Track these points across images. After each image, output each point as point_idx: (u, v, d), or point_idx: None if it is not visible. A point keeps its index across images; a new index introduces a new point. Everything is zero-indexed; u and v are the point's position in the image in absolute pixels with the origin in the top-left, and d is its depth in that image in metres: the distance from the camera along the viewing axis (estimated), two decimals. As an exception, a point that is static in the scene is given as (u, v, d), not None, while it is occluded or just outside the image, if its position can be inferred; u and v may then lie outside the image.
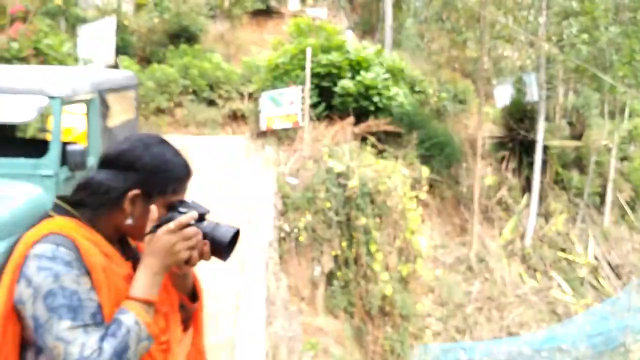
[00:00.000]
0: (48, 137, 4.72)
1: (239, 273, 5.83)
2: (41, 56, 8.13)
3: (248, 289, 5.64)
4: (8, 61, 7.75)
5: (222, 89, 13.52)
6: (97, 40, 9.28)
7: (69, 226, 1.36)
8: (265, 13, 19.91)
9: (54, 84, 3.76)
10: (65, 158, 3.64)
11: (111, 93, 4.63)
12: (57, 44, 8.27)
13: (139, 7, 15.09)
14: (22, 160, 3.68)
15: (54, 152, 3.67)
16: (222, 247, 1.39)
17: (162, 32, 14.33)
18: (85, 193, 1.42)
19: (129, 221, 1.40)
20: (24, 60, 7.84)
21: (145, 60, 13.49)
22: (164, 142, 1.47)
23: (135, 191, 1.38)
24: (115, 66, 10.62)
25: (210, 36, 16.06)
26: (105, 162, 1.44)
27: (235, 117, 13.68)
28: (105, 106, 4.42)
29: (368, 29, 19.43)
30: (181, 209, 1.37)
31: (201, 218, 1.39)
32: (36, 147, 4.62)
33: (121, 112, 4.87)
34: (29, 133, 6.40)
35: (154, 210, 1.37)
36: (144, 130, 9.09)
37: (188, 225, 1.35)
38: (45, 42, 8.10)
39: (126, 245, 1.54)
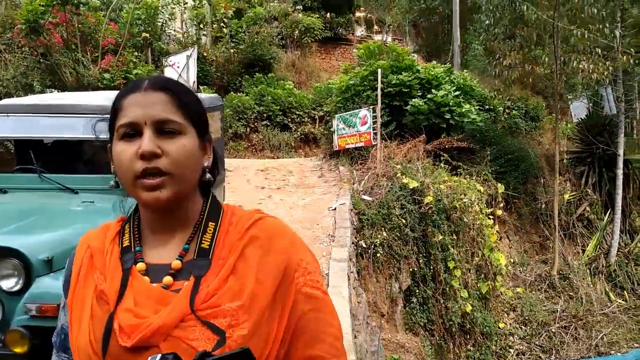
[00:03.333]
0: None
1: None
2: (131, 86, 8.73)
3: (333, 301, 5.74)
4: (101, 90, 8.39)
5: (294, 113, 13.98)
6: (180, 69, 9.89)
7: (97, 228, 1.21)
8: (333, 40, 20.45)
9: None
10: None
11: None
12: (145, 74, 8.88)
13: (216, 39, 15.88)
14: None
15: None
16: None
17: (237, 62, 15.02)
18: None
19: (111, 182, 1.30)
20: (115, 89, 8.43)
21: (223, 89, 14.17)
22: None
23: (108, 145, 1.13)
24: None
25: (282, 64, 16.65)
26: None
27: (307, 139, 14.05)
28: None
29: (433, 51, 19.54)
30: None
31: None
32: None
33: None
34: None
35: None
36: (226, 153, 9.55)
37: None
38: (134, 72, 8.73)
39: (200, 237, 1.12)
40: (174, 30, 15.82)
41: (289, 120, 13.87)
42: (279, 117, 13.60)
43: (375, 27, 22.49)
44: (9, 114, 3.89)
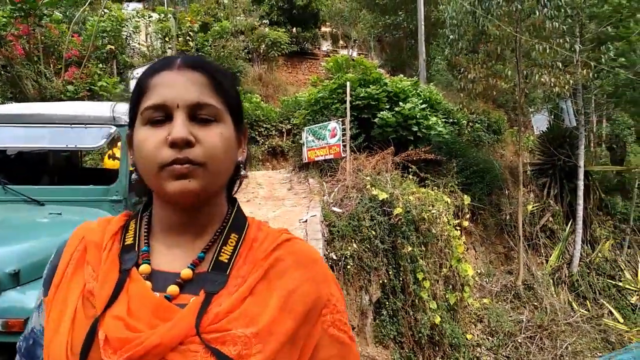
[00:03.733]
0: (114, 165, 4.99)
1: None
2: (95, 97, 8.60)
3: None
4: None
5: (261, 127, 13.95)
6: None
7: (97, 221, 1.06)
8: (300, 55, 20.59)
9: (123, 114, 4.01)
10: (131, 185, 3.82)
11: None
12: (110, 86, 8.74)
13: (181, 53, 15.74)
14: (92, 187, 3.89)
15: (122, 179, 3.85)
16: None
17: (203, 75, 14.91)
18: None
19: (133, 176, 1.03)
20: (79, 100, 8.28)
21: (188, 102, 14.03)
22: None
23: (128, 131, 1.03)
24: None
25: (249, 78, 16.65)
26: None
27: (275, 152, 14.03)
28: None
29: (398, 65, 19.85)
30: None
31: None
32: (94, 176, 4.89)
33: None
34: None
35: None
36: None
37: None
38: (99, 84, 8.58)
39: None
40: (139, 44, 15.65)
41: (257, 133, 13.83)
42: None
43: (341, 42, 22.73)
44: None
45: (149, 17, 15.38)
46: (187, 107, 0.91)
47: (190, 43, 15.73)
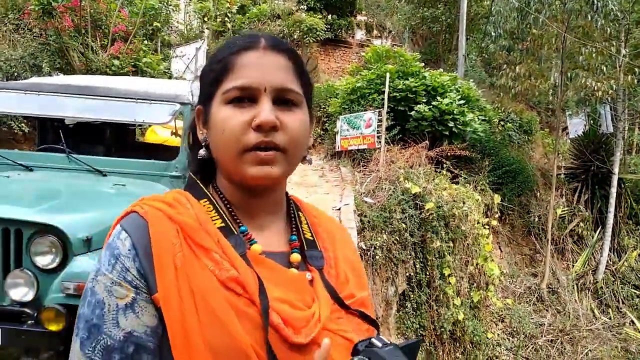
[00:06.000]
0: (174, 142, 5.10)
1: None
2: (139, 73, 8.72)
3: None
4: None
5: (293, 113, 13.99)
6: (189, 60, 9.85)
7: (165, 199, 0.97)
8: (333, 42, 20.48)
9: (185, 92, 4.10)
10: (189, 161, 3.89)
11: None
12: (154, 63, 8.87)
13: (218, 33, 15.85)
14: (153, 162, 3.99)
15: (183, 155, 3.93)
16: None
17: (238, 57, 14.99)
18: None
19: (201, 152, 1.00)
20: (124, 75, 8.41)
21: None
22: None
23: (197, 106, 1.03)
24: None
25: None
26: None
27: (307, 140, 14.07)
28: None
29: (432, 58, 19.70)
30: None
31: None
32: (148, 150, 5.01)
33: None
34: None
35: (325, 347, 0.84)
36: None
37: None
38: (144, 60, 8.70)
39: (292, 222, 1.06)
40: (177, 22, 15.78)
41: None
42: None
43: (375, 32, 22.59)
44: (39, 93, 3.87)
45: (188, -4, 15.55)
46: (273, 91, 0.92)
47: (228, 24, 15.80)
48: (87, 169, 3.75)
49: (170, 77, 9.65)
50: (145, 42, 9.62)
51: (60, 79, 4.61)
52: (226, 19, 15.90)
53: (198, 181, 1.02)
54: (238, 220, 0.97)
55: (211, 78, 0.96)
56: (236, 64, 0.93)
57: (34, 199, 3.18)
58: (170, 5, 12.40)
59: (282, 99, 0.94)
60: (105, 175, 3.75)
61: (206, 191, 1.00)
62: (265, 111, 0.90)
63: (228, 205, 0.99)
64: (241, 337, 0.83)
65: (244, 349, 0.82)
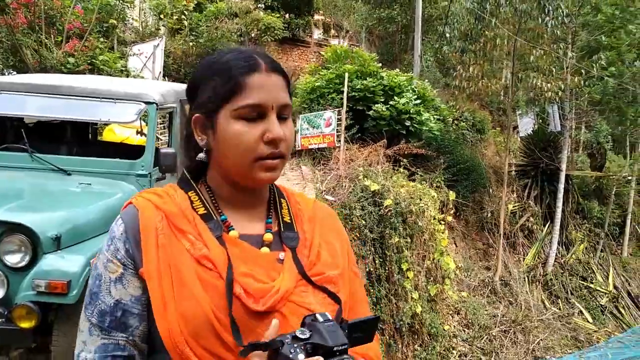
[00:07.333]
0: (133, 141, 5.09)
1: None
2: (96, 71, 8.59)
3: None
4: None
5: (252, 112, 13.98)
6: (147, 58, 9.75)
7: (156, 192, 1.13)
8: (291, 41, 20.55)
9: (150, 91, 4.11)
10: (157, 160, 3.89)
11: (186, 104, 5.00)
12: (111, 61, 8.74)
13: (174, 31, 15.69)
14: (118, 161, 3.99)
15: (148, 154, 3.95)
16: None
17: (195, 55, 14.87)
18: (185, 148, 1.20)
19: (201, 155, 1.13)
20: (80, 74, 8.26)
21: (180, 82, 13.99)
22: (227, 50, 1.16)
23: (196, 114, 1.12)
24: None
25: (241, 61, 16.55)
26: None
27: (264, 138, 14.09)
28: (184, 114, 4.79)
29: (388, 59, 20.02)
30: (298, 334, 0.93)
31: (329, 354, 0.92)
32: (110, 149, 5.00)
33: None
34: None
35: (274, 326, 0.97)
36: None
37: None
38: (100, 57, 8.58)
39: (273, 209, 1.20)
40: (133, 19, 15.52)
41: (247, 117, 13.86)
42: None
43: (333, 31, 22.78)
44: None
45: (143, -7, 15.30)
46: (277, 108, 1.08)
47: (185, 22, 15.63)
48: (50, 168, 3.74)
49: (127, 75, 9.50)
50: (101, 39, 9.45)
51: (21, 78, 4.55)
52: (182, 16, 15.72)
53: (189, 177, 1.16)
54: (220, 210, 1.12)
55: (218, 93, 1.08)
56: (247, 84, 1.06)
57: (1, 198, 3.17)
58: (126, 1, 12.18)
59: (281, 114, 1.09)
60: (69, 175, 3.73)
61: (194, 185, 1.15)
62: (276, 127, 1.06)
63: (212, 197, 1.14)
64: (206, 304, 0.98)
65: (208, 315, 0.98)
